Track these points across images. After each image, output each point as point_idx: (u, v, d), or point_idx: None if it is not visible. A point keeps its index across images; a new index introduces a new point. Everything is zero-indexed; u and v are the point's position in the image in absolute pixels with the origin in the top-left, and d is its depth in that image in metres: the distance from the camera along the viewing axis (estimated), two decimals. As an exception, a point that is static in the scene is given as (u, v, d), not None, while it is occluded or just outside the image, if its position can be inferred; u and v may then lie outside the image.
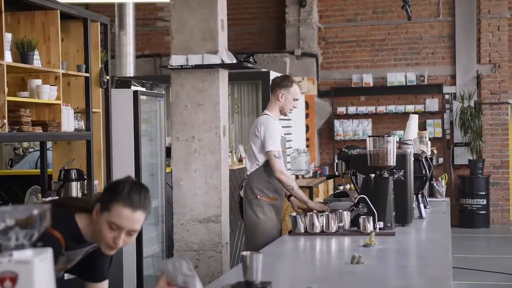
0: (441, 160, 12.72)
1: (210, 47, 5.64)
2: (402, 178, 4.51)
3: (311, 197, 8.84)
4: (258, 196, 5.21)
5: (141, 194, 2.63)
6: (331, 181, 11.50)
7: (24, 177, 6.36)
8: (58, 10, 5.16)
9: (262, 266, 2.81)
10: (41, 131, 4.95)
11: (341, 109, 13.11)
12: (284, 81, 5.34)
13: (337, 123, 13.11)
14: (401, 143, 5.14)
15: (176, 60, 5.63)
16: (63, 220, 2.66)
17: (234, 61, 5.65)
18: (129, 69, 10.77)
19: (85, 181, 5.59)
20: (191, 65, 5.60)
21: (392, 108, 12.91)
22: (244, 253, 2.75)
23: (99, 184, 5.87)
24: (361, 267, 3.23)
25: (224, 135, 5.76)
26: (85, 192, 5.61)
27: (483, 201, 12.41)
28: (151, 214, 6.74)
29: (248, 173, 5.31)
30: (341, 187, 11.82)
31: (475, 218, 12.41)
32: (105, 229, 2.60)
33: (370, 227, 4.18)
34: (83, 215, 2.72)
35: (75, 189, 5.43)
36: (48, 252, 1.77)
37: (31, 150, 8.29)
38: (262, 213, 5.20)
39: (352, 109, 13.06)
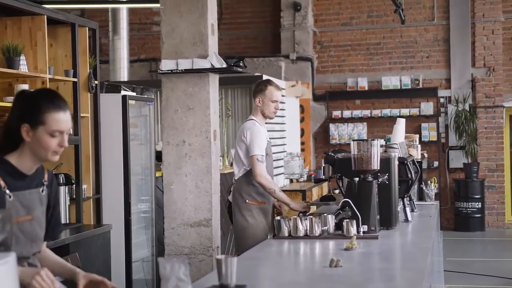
0: (436, 163, 12.73)
1: (200, 51, 5.65)
2: (387, 182, 4.53)
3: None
4: (247, 201, 5.27)
5: (58, 96, 2.80)
6: (325, 185, 11.51)
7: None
8: (45, 16, 5.18)
9: (242, 270, 2.83)
10: (27, 135, 4.96)
11: (336, 113, 13.13)
12: (259, 86, 5.44)
13: (332, 127, 13.12)
14: (387, 146, 5.15)
15: (166, 64, 5.65)
16: None
17: (224, 65, 5.65)
18: (123, 74, 10.79)
19: (73, 185, 5.60)
20: (181, 70, 5.61)
21: (387, 112, 12.93)
22: (219, 257, 2.78)
23: (87, 189, 5.88)
24: (338, 271, 3.24)
25: (215, 139, 5.77)
26: (74, 196, 5.63)
27: (478, 205, 12.41)
28: (141, 217, 6.79)
29: (236, 178, 5.39)
30: (337, 191, 11.81)
31: (470, 221, 12.41)
32: (47, 140, 2.71)
33: (353, 230, 4.19)
34: (11, 154, 2.78)
35: (63, 194, 5.44)
36: (11, 256, 1.79)
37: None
38: (251, 217, 5.25)
39: (347, 113, 13.08)
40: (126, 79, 10.79)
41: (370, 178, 4.41)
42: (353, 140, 4.48)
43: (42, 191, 2.87)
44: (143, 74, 13.12)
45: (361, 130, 13.04)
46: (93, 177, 5.98)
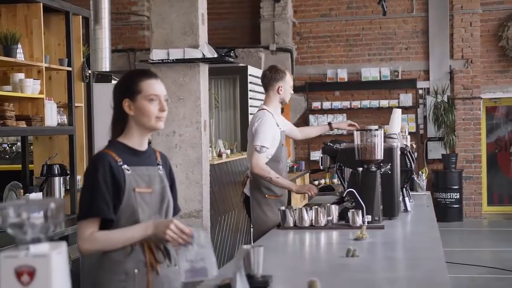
0: (415, 154, 12.80)
1: (190, 41, 5.62)
2: (389, 172, 4.53)
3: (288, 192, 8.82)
4: (267, 195, 5.13)
5: (149, 70, 3.04)
6: (307, 176, 11.55)
7: (4, 173, 6.28)
8: (41, 3, 5.09)
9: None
10: (24, 125, 4.88)
11: (316, 104, 13.15)
12: (279, 73, 5.28)
13: (312, 118, 13.14)
14: (386, 137, 5.15)
15: (157, 54, 5.59)
16: (110, 145, 2.93)
17: (215, 55, 5.61)
18: (105, 64, 10.64)
19: (68, 176, 5.53)
20: (172, 59, 5.56)
21: (366, 103, 12.98)
22: (246, 246, 2.75)
23: (81, 179, 5.80)
24: (356, 260, 3.24)
25: (205, 130, 5.74)
26: (68, 187, 5.55)
27: (456, 195, 12.54)
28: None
29: (251, 172, 5.14)
30: (317, 182, 11.85)
31: (448, 212, 12.53)
32: (147, 106, 2.87)
33: (359, 220, 4.19)
34: (119, 137, 2.94)
35: (58, 184, 5.36)
36: (63, 246, 1.75)
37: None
38: (271, 212, 5.10)
39: (327, 104, 13.11)
40: (108, 69, 10.67)
41: (373, 168, 4.42)
42: (357, 130, 4.48)
43: (160, 170, 2.97)
44: (121, 64, 13.00)
45: (341, 121, 13.07)
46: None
